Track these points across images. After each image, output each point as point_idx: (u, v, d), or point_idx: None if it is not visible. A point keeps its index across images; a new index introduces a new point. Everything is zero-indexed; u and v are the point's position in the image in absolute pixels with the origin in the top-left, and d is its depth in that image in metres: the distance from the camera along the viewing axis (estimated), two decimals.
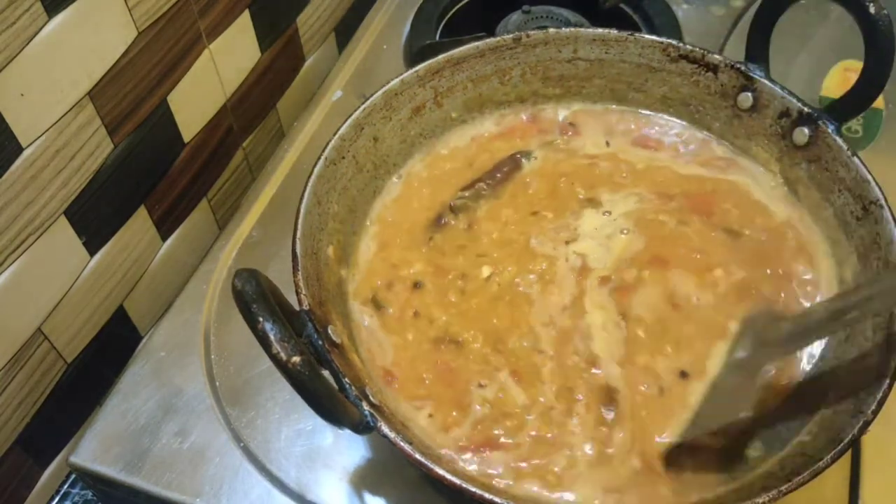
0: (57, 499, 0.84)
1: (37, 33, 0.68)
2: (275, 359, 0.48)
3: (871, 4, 0.66)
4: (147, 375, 0.78)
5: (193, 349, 0.79)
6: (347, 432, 0.72)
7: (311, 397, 0.50)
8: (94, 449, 0.74)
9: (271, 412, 0.75)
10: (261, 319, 0.48)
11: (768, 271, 0.73)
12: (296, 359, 0.47)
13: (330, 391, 0.51)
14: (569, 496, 0.62)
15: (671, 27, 1.06)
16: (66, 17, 0.70)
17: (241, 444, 0.73)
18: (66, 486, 0.85)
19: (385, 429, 0.56)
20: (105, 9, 0.74)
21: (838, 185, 0.73)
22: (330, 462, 0.72)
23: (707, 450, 0.64)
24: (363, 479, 0.72)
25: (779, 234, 0.76)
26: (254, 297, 0.48)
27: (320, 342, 0.58)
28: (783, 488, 0.55)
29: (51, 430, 0.84)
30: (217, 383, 0.77)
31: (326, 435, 0.74)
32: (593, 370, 0.68)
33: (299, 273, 0.63)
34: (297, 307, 0.60)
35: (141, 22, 0.79)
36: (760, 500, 0.55)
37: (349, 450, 0.73)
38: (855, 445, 0.72)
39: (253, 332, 0.48)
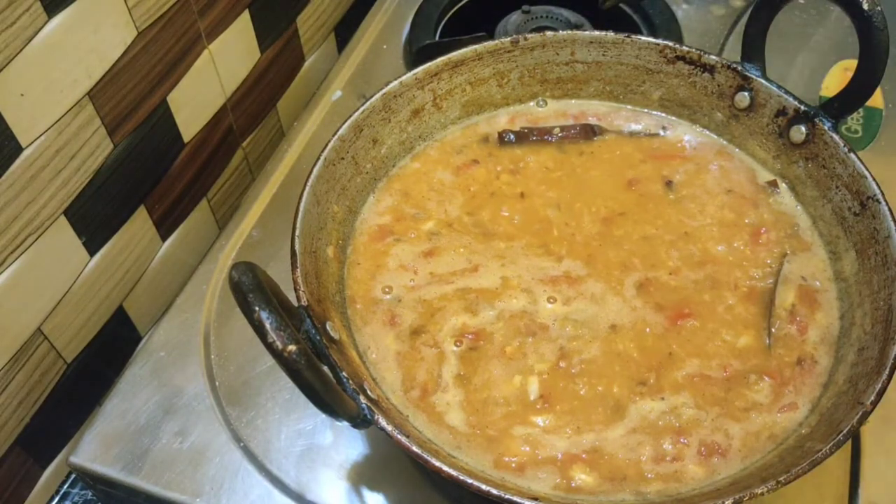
0: (57, 499, 0.84)
1: (37, 33, 0.68)
2: (270, 348, 0.48)
3: (865, 1, 0.67)
4: (147, 375, 0.78)
5: (193, 349, 0.79)
6: (347, 431, 0.73)
7: (306, 387, 0.50)
8: (94, 449, 0.74)
9: (271, 412, 0.75)
10: (257, 309, 0.48)
11: None
12: (292, 347, 0.47)
13: (327, 382, 0.51)
14: None
15: (671, 27, 1.06)
16: (65, 17, 0.70)
17: (241, 444, 0.73)
18: (66, 486, 0.85)
19: (383, 422, 0.56)
20: (105, 9, 0.74)
21: (836, 182, 0.73)
22: (330, 462, 0.72)
23: None
24: (363, 479, 0.72)
25: None
26: (251, 287, 0.48)
27: (318, 337, 0.58)
28: (782, 479, 0.55)
29: (51, 430, 0.84)
30: (217, 383, 0.77)
31: (326, 435, 0.74)
32: None
33: (298, 270, 0.63)
34: (296, 304, 0.60)
35: (141, 22, 0.79)
36: (759, 491, 0.55)
37: (349, 449, 0.73)
38: (856, 442, 0.72)
39: (249, 322, 0.48)
